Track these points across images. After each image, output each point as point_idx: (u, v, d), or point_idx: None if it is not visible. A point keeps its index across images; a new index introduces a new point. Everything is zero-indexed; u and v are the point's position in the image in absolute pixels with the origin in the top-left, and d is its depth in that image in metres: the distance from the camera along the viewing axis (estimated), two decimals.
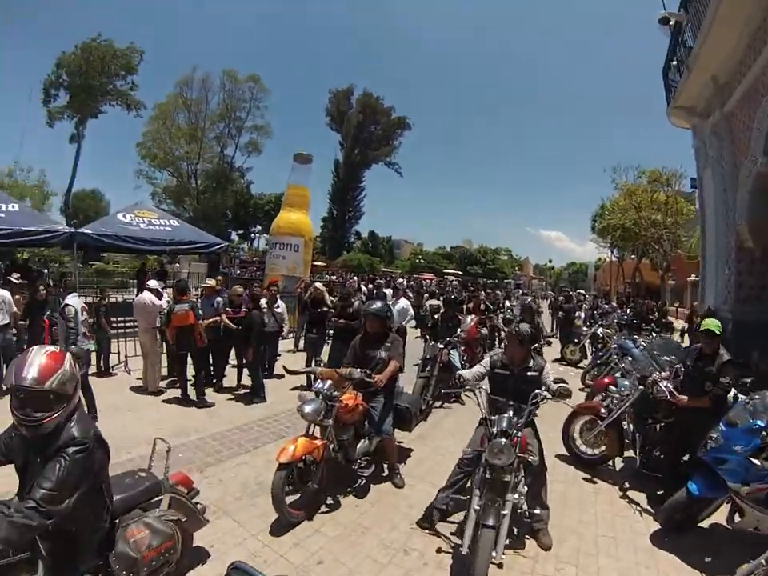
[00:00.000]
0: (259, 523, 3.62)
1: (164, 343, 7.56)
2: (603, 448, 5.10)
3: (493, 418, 3.38)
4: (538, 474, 3.54)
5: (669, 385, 4.44)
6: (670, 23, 10.19)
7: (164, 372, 7.70)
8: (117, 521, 2.37)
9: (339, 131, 55.38)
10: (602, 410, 5.06)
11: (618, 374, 6.93)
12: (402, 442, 5.28)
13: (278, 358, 8.81)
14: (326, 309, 8.02)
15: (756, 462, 3.39)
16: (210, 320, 7.09)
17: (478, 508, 3.02)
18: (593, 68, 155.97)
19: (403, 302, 9.36)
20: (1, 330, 6.58)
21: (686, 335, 13.34)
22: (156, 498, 2.62)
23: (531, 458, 3.32)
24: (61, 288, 7.42)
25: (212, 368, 7.52)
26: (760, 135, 7.75)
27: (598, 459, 5.13)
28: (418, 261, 60.89)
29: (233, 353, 7.86)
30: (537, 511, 3.44)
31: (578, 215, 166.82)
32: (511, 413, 3.39)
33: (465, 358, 7.69)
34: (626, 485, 4.73)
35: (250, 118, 47.93)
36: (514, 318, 12.83)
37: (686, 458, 4.42)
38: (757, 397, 3.74)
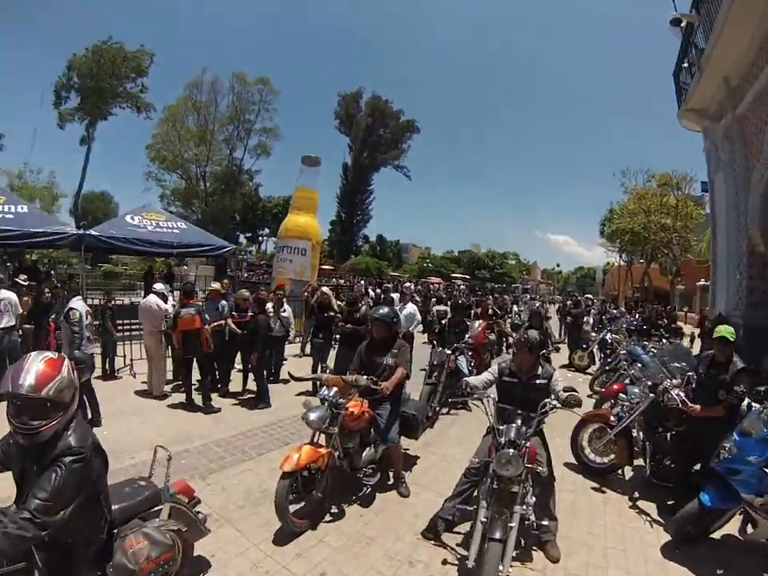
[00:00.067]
0: (262, 532, 3.56)
1: (169, 347, 7.54)
2: (612, 457, 5.00)
3: (501, 427, 3.31)
4: (546, 484, 3.46)
5: (680, 393, 4.34)
6: (682, 24, 10.09)
7: (169, 376, 7.70)
8: (115, 531, 2.32)
9: (348, 134, 55.55)
10: (612, 418, 4.96)
11: (627, 381, 6.84)
12: (407, 449, 5.21)
13: (284, 362, 8.77)
14: (332, 313, 7.95)
15: None
16: (215, 323, 7.06)
17: (485, 520, 2.95)
18: (601, 71, 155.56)
19: (411, 307, 9.30)
20: (7, 332, 6.58)
21: (696, 341, 13.16)
22: (156, 508, 2.57)
23: (540, 468, 3.24)
24: (65, 291, 7.41)
25: (217, 373, 7.48)
26: None
27: (608, 468, 5.03)
28: (425, 265, 60.81)
29: (238, 357, 7.81)
30: (545, 522, 3.35)
31: (586, 219, 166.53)
32: (519, 422, 3.32)
33: (472, 363, 7.61)
34: (636, 494, 4.64)
35: (258, 121, 48.17)
36: (521, 323, 12.77)
37: (697, 467, 4.32)
38: None
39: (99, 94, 37.45)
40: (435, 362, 6.87)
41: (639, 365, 6.84)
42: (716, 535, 3.81)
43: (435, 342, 7.81)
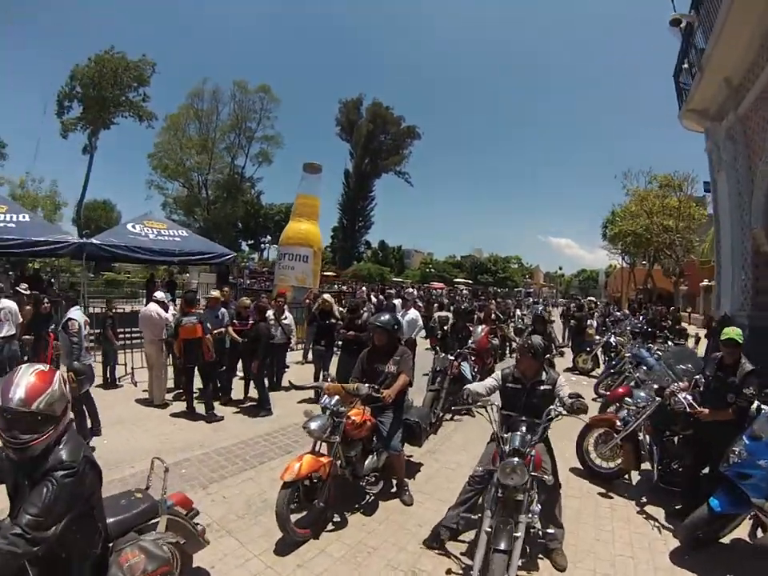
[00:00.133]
0: (263, 543, 3.51)
1: (170, 355, 7.49)
2: (619, 461, 4.93)
3: (505, 435, 3.24)
4: (552, 491, 3.39)
5: (688, 396, 4.27)
6: (681, 25, 10.07)
7: (170, 384, 7.65)
8: (111, 545, 2.27)
9: (349, 141, 55.72)
10: (618, 423, 4.88)
11: (632, 384, 6.77)
12: (411, 456, 5.16)
13: (286, 369, 8.72)
14: (333, 320, 7.90)
15: None
16: (215, 331, 7.02)
17: (490, 530, 2.88)
18: (601, 72, 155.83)
19: (413, 313, 9.22)
20: (7, 341, 6.55)
21: (702, 342, 13.05)
22: (153, 521, 2.51)
23: (546, 477, 3.17)
24: (62, 300, 7.37)
25: (218, 381, 7.42)
26: None
27: (614, 473, 4.96)
28: (428, 270, 60.87)
29: (240, 365, 7.76)
30: (551, 530, 3.28)
31: (588, 222, 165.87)
32: (524, 428, 3.26)
33: (476, 369, 7.54)
34: (644, 499, 4.57)
35: (260, 129, 48.46)
36: (525, 327, 12.69)
37: (705, 470, 4.25)
38: None
39: (102, 103, 37.67)
40: (438, 368, 6.82)
41: (644, 367, 6.77)
42: (725, 540, 3.75)
43: (438, 348, 7.74)
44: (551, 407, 3.37)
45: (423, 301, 20.22)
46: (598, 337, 12.27)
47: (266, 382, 7.36)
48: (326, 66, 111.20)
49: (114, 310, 8.80)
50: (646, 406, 4.72)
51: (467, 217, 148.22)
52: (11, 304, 6.81)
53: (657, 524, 4.11)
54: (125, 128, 42.19)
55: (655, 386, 4.88)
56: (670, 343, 9.38)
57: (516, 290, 58.95)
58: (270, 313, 7.72)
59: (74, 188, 45.64)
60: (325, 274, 28.70)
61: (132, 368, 8.36)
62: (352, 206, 56.32)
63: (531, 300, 35.78)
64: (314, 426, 3.73)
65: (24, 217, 10.36)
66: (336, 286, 29.47)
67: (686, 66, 11.09)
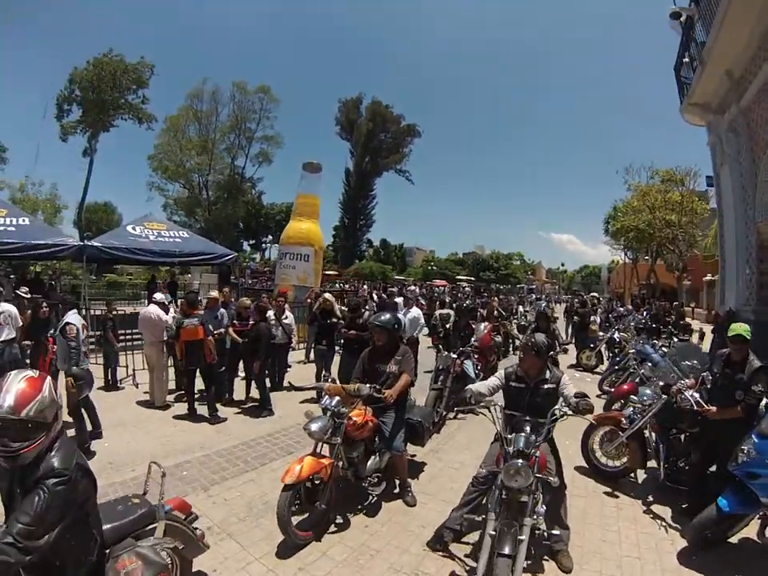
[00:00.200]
0: (264, 546, 3.47)
1: (171, 357, 7.45)
2: (625, 460, 4.86)
3: (509, 436, 3.18)
4: (556, 491, 3.32)
5: (695, 394, 4.19)
6: (681, 18, 9.99)
7: (171, 386, 7.61)
8: (107, 551, 2.22)
9: (349, 140, 55.70)
10: (623, 421, 4.82)
11: (636, 380, 6.71)
12: (414, 456, 5.12)
13: (288, 369, 8.68)
14: (335, 320, 7.85)
15: None
16: (216, 332, 6.97)
17: (494, 533, 2.82)
18: (602, 69, 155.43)
19: (415, 311, 9.14)
20: (7, 345, 6.50)
21: (707, 337, 12.98)
22: (150, 526, 2.47)
23: (551, 479, 3.10)
24: (59, 304, 7.32)
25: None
26: None
27: (620, 472, 4.89)
28: (430, 268, 60.78)
29: (241, 365, 7.71)
30: (556, 531, 3.22)
31: (590, 218, 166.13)
32: (528, 429, 3.20)
33: (479, 367, 7.49)
34: (650, 498, 4.50)
35: (260, 129, 48.44)
36: (527, 324, 12.63)
37: (712, 468, 4.18)
38: None
39: (101, 106, 37.59)
40: (441, 367, 6.75)
41: (649, 364, 6.71)
42: (733, 539, 3.69)
43: (441, 347, 7.68)
44: (556, 407, 3.31)
45: (426, 299, 20.16)
46: (601, 333, 12.18)
47: (268, 382, 7.31)
48: (326, 65, 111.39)
49: (114, 312, 8.77)
50: (652, 404, 4.66)
51: (468, 214, 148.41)
52: (11, 308, 6.77)
53: (664, 523, 4.04)
54: (124, 130, 42.19)
55: (661, 384, 4.81)
56: (674, 339, 9.31)
57: (518, 286, 58.98)
58: (270, 313, 7.67)
59: (75, 191, 45.74)
60: (327, 272, 28.68)
61: (133, 370, 8.34)
62: (353, 204, 56.28)
63: (534, 296, 35.77)
64: (314, 427, 3.68)
65: (24, 220, 10.38)
66: (338, 284, 29.41)
67: (686, 59, 11.02)
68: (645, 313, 14.92)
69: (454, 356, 6.79)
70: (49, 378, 2.01)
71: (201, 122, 46.14)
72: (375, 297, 18.31)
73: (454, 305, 12.65)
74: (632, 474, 4.93)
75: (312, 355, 9.29)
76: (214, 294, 7.93)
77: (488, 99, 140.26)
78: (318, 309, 8.22)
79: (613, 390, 7.08)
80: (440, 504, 4.10)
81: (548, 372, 3.58)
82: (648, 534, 3.89)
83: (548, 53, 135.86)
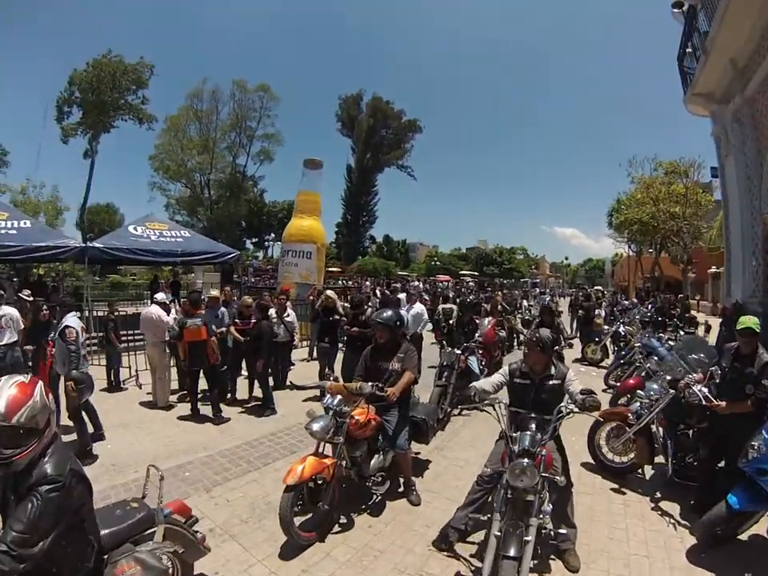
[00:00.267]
0: (266, 547, 3.43)
1: (173, 357, 7.42)
2: (632, 456, 4.79)
3: (514, 434, 3.12)
4: (563, 490, 3.25)
5: (703, 389, 4.11)
6: (683, 8, 9.86)
7: (174, 386, 7.58)
8: (105, 557, 2.18)
9: (350, 136, 55.45)
10: (630, 416, 4.74)
11: (643, 374, 6.63)
12: (418, 453, 5.08)
13: (291, 368, 8.64)
14: (337, 317, 7.79)
15: None
16: (218, 331, 6.93)
17: (499, 534, 2.76)
18: (605, 61, 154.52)
19: (418, 307, 9.02)
20: (9, 348, 6.48)
21: (713, 330, 12.86)
22: (149, 530, 2.43)
23: (558, 478, 3.04)
24: (58, 306, 7.27)
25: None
26: None
27: (627, 468, 4.82)
28: (433, 263, 60.60)
29: (244, 364, 7.68)
30: (563, 530, 3.15)
31: (593, 211, 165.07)
32: (533, 426, 3.14)
33: (483, 362, 7.43)
34: (658, 495, 4.44)
35: (260, 127, 48.44)
36: (532, 318, 12.55)
37: (721, 464, 4.12)
38: None
39: (101, 107, 37.53)
40: (445, 363, 6.68)
41: (655, 358, 6.63)
42: (743, 536, 3.64)
43: (445, 343, 7.62)
44: (562, 405, 3.24)
45: (429, 294, 20.08)
46: (606, 327, 12.12)
47: (271, 380, 7.27)
48: (326, 65, 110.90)
49: (116, 313, 8.75)
50: (659, 399, 4.58)
51: (471, 210, 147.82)
52: (12, 311, 6.73)
53: (672, 520, 3.98)
54: (125, 131, 42.05)
55: (668, 378, 4.75)
56: (681, 332, 9.22)
57: (522, 280, 58.74)
58: (272, 311, 7.63)
59: (77, 193, 45.64)
60: (330, 269, 28.64)
61: (136, 370, 8.32)
62: (355, 201, 56.11)
63: (538, 290, 35.62)
64: (316, 427, 3.63)
65: (25, 223, 10.40)
66: (341, 281, 29.34)
67: (689, 49, 10.88)
68: (650, 306, 14.83)
69: (458, 352, 6.73)
70: (41, 383, 1.97)
71: (201, 121, 46.16)
72: (378, 293, 18.25)
73: (458, 300, 12.56)
74: (639, 470, 4.87)
75: (315, 353, 9.25)
76: (215, 292, 7.89)
77: (489, 98, 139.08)
78: (321, 306, 8.17)
79: (619, 384, 7.00)
80: (445, 502, 4.06)
81: (553, 368, 3.52)
82: (656, 531, 3.84)
83: (549, 42, 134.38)
